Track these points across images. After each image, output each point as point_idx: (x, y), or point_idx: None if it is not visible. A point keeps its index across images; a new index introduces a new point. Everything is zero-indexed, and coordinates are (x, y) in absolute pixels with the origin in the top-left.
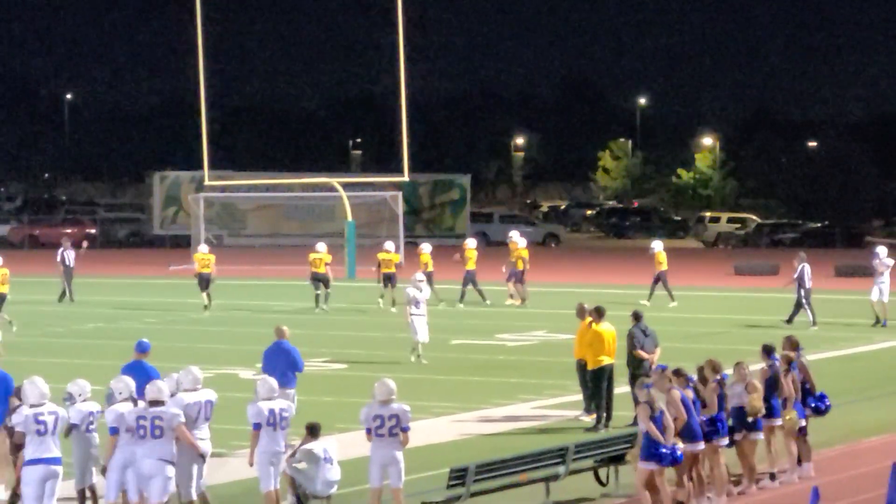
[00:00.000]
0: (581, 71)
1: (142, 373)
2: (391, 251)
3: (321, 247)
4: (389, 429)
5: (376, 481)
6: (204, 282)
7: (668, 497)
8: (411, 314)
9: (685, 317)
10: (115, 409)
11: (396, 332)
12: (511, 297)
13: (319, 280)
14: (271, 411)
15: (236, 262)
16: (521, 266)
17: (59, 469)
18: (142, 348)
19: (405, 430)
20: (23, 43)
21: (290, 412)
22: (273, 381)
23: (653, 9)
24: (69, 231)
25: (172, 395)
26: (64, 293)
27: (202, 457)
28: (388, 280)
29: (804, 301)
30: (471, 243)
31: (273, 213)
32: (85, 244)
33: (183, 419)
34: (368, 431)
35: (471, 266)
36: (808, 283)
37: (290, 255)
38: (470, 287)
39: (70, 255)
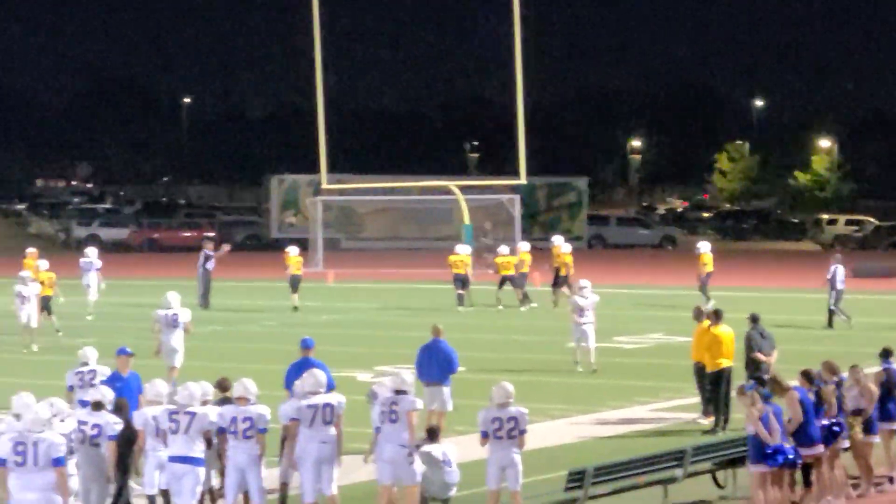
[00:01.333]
0: (697, 73)
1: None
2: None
3: (461, 248)
4: (508, 431)
5: (494, 483)
6: (295, 283)
7: (778, 500)
8: (578, 322)
9: (802, 318)
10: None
11: (510, 334)
12: (555, 303)
13: (460, 280)
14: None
15: (354, 265)
16: (563, 272)
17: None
18: (306, 345)
19: (523, 432)
20: (141, 48)
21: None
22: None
23: (769, 9)
24: (210, 235)
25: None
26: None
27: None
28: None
29: (833, 304)
30: (565, 247)
31: (390, 216)
32: (225, 248)
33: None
34: (485, 434)
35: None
36: (840, 286)
37: (408, 257)
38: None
39: (210, 260)
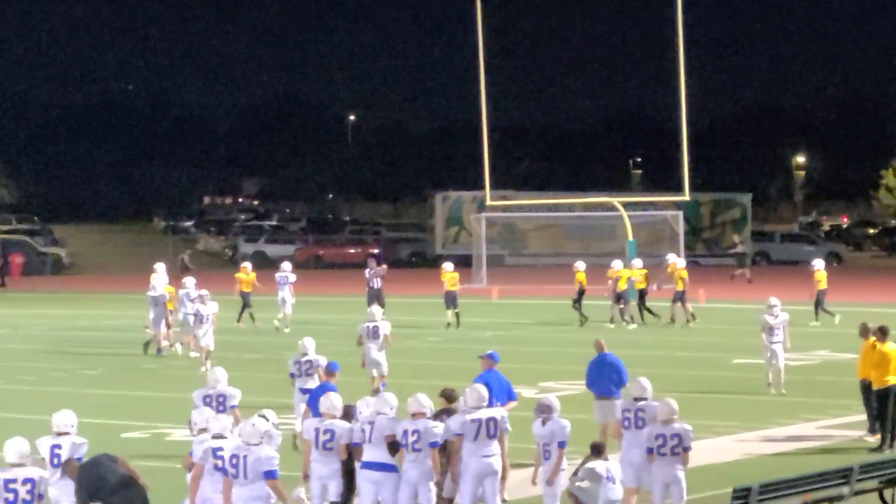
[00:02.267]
0: (863, 87)
1: (494, 381)
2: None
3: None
4: (671, 448)
5: (658, 500)
6: (450, 300)
7: None
8: (769, 342)
9: None
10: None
11: (672, 350)
12: (672, 318)
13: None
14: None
15: (518, 282)
16: (681, 286)
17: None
18: (494, 359)
19: (687, 449)
20: (306, 66)
21: (566, 432)
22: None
23: None
24: (374, 252)
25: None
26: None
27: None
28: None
29: None
30: (680, 262)
31: (554, 232)
32: (382, 268)
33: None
34: (650, 451)
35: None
36: None
37: (572, 274)
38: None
39: (377, 278)
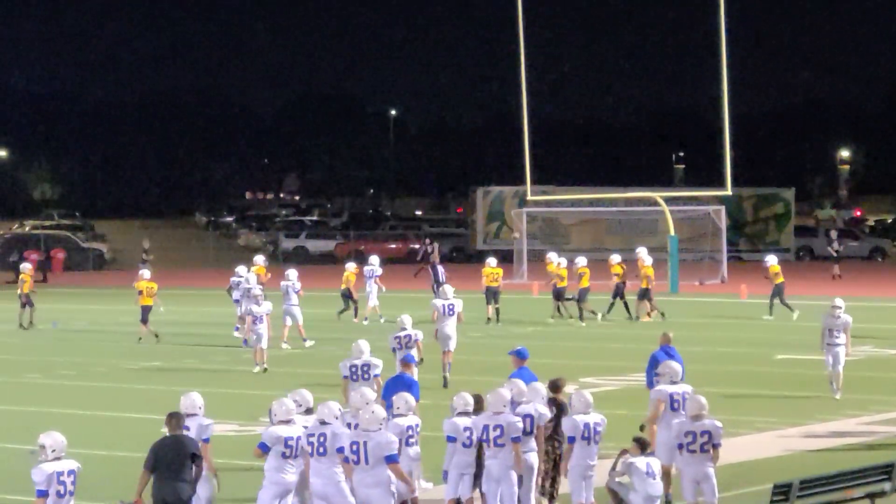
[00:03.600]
0: None
1: (527, 378)
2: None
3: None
4: (701, 445)
5: (690, 496)
6: (492, 295)
7: None
8: (830, 344)
9: None
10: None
11: (714, 345)
12: (648, 314)
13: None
14: (586, 425)
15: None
16: (645, 284)
17: None
18: (521, 356)
19: (717, 446)
20: (349, 61)
21: (604, 426)
22: (588, 396)
23: None
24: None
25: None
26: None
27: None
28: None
29: None
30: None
31: (596, 227)
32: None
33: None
34: (680, 447)
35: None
36: None
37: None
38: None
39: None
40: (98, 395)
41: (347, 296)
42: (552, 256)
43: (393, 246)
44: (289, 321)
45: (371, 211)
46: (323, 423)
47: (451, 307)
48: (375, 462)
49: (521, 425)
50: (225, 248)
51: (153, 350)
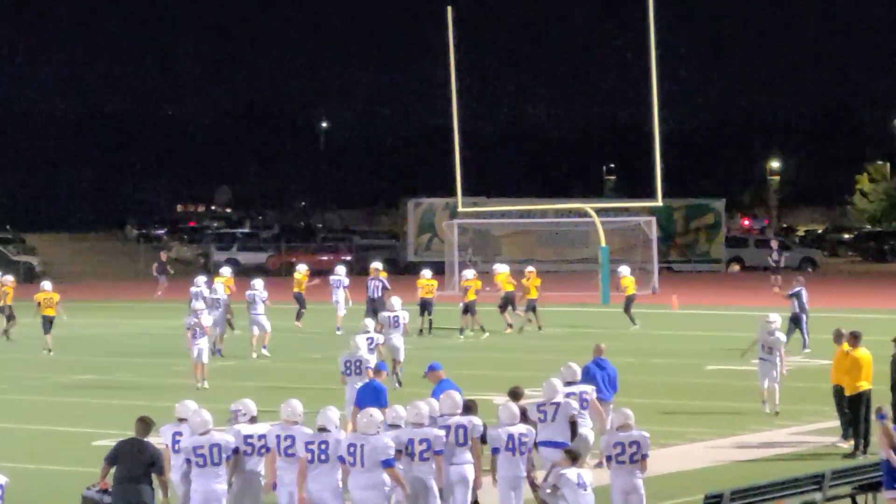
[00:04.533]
0: (837, 92)
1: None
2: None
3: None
4: (630, 456)
5: None
6: (426, 307)
7: None
8: (764, 359)
9: None
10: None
11: (647, 357)
12: (510, 326)
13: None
14: (510, 436)
15: (490, 288)
16: (534, 294)
17: None
18: (435, 369)
19: (645, 456)
20: (280, 74)
21: (531, 437)
22: (515, 408)
23: None
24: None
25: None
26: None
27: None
28: (427, 307)
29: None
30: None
31: (527, 239)
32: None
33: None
34: (608, 459)
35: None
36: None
37: (545, 281)
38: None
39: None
40: (29, 409)
41: (299, 298)
42: (498, 267)
43: (325, 258)
44: (256, 331)
45: (302, 223)
46: (323, 430)
47: (395, 318)
48: (371, 465)
49: (445, 438)
50: (155, 260)
51: (86, 363)
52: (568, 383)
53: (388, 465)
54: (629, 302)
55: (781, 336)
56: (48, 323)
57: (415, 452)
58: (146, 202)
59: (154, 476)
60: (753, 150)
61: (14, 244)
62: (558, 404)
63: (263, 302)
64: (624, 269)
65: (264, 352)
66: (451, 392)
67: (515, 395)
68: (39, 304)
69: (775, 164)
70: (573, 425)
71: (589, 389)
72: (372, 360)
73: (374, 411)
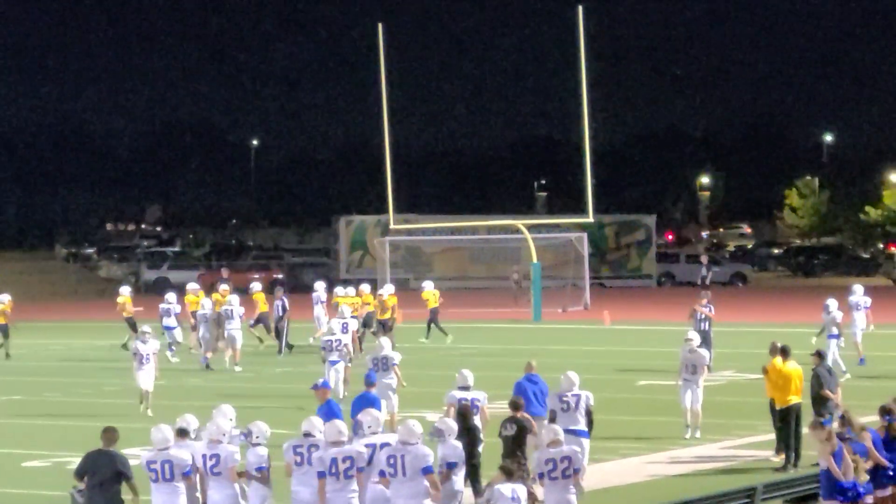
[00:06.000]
0: (766, 108)
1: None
2: (366, 294)
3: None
4: (562, 471)
5: None
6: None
7: None
8: (687, 380)
9: (876, 354)
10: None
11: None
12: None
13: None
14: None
15: (423, 306)
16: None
17: None
18: (369, 380)
19: (577, 471)
20: (209, 92)
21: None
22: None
23: (837, 43)
24: (280, 277)
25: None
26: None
27: None
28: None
29: None
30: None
31: (459, 255)
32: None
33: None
34: (541, 476)
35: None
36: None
37: (477, 297)
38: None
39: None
40: None
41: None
42: (427, 285)
43: (256, 276)
44: (228, 345)
45: (233, 241)
46: (307, 435)
47: (345, 326)
48: (413, 473)
49: (366, 455)
50: (85, 279)
51: (14, 384)
52: (461, 388)
53: (427, 472)
54: (434, 315)
55: (703, 353)
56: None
57: (339, 472)
58: (74, 221)
59: (124, 483)
60: (683, 165)
61: None
62: (579, 395)
63: (241, 317)
64: (427, 284)
65: (237, 369)
66: (369, 410)
67: (516, 406)
68: None
69: (705, 180)
70: (590, 416)
71: (481, 396)
72: (398, 355)
73: (414, 422)
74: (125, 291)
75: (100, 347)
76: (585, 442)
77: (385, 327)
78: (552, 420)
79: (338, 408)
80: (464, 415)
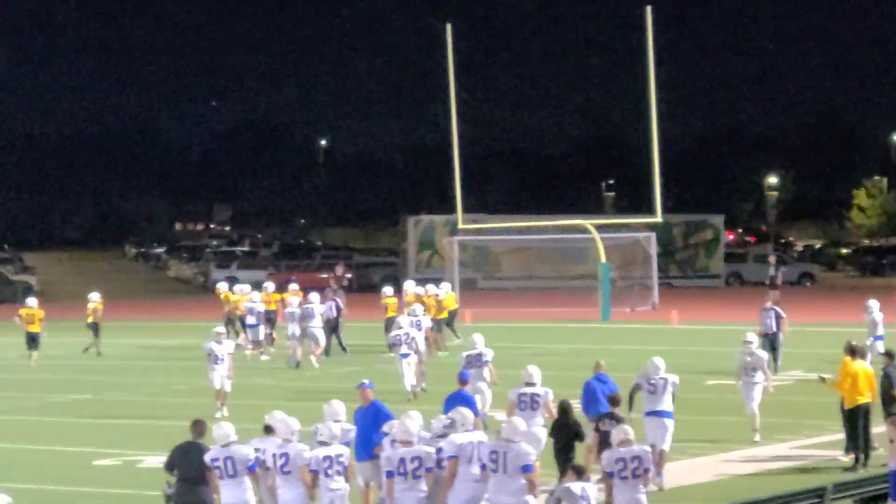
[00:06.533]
0: (835, 108)
1: (461, 401)
2: (390, 295)
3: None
4: (632, 471)
5: None
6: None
7: None
8: (746, 381)
9: None
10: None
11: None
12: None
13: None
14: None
15: (490, 305)
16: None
17: None
18: (463, 378)
19: (647, 470)
20: (280, 91)
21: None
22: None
23: None
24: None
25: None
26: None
27: None
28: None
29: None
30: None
31: (526, 255)
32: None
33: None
34: (611, 475)
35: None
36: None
37: (544, 297)
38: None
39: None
40: (25, 429)
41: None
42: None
43: (325, 276)
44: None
45: (302, 241)
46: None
47: (418, 323)
48: (514, 471)
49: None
50: (155, 279)
51: (83, 383)
52: (527, 384)
53: (527, 470)
54: (451, 316)
55: (761, 354)
56: (31, 339)
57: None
58: (144, 221)
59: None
60: (751, 165)
61: (12, 264)
62: (666, 378)
63: (321, 315)
64: (444, 286)
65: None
66: (462, 410)
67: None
68: (20, 316)
69: (773, 180)
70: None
71: (541, 392)
72: (491, 352)
73: (517, 419)
74: (95, 297)
75: (169, 347)
76: (669, 423)
77: (445, 325)
78: (632, 395)
79: (381, 409)
80: (565, 410)
